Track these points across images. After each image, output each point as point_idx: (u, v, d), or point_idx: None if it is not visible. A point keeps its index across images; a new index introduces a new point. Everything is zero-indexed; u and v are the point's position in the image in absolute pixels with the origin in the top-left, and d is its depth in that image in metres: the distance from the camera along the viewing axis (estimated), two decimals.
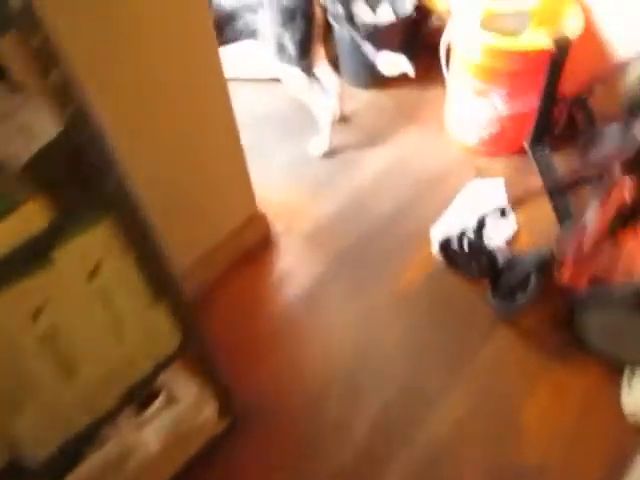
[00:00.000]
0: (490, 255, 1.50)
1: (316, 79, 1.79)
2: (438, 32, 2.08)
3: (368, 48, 1.65)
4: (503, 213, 1.41)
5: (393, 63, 1.65)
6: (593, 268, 1.35)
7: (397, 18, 2.11)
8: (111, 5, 0.98)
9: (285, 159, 2.01)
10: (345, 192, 1.89)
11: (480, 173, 1.89)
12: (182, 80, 1.20)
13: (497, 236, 1.62)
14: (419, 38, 2.20)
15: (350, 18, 1.65)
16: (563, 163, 1.85)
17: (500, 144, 1.90)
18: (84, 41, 0.96)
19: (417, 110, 2.13)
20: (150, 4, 1.05)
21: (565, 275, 1.37)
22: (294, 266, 1.72)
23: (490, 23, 1.64)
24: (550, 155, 1.81)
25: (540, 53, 1.55)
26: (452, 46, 1.79)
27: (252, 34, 1.69)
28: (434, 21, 2.07)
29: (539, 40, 1.55)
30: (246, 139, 2.09)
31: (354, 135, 2.07)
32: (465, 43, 1.70)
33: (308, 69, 1.72)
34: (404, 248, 1.72)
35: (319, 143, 1.96)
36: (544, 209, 1.65)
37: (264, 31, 1.65)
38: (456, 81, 1.83)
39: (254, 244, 1.74)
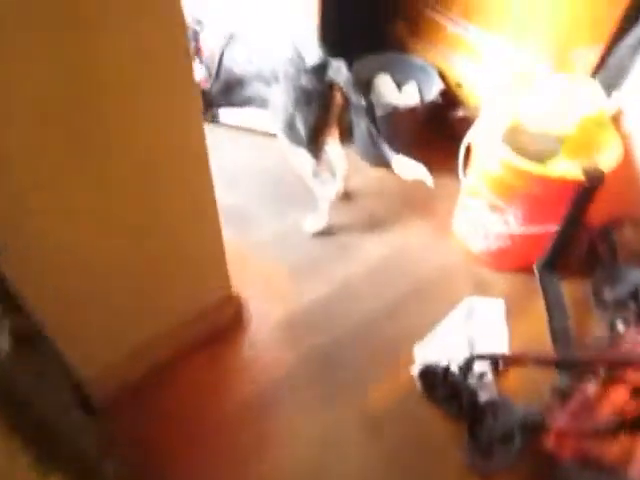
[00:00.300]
0: (473, 398, 1.33)
1: (323, 159, 1.64)
2: (462, 123, 1.95)
3: (385, 147, 1.51)
4: (495, 365, 1.25)
5: (410, 169, 1.50)
6: (583, 444, 1.18)
7: (421, 102, 1.98)
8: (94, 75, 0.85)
9: (275, 229, 1.86)
10: (332, 280, 1.73)
11: (481, 287, 1.73)
12: (157, 147, 1.05)
13: (485, 370, 1.45)
14: (441, 125, 2.06)
15: (370, 110, 1.50)
16: (574, 294, 1.69)
17: (507, 259, 1.74)
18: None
19: (425, 200, 1.98)
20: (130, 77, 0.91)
21: (551, 443, 1.20)
22: (261, 357, 1.55)
23: (517, 137, 1.50)
24: (560, 285, 1.65)
25: (567, 182, 1.40)
26: (472, 149, 1.64)
27: (262, 103, 1.56)
28: (460, 112, 1.94)
29: (568, 168, 1.40)
30: (237, 198, 1.96)
31: (354, 216, 1.92)
32: (486, 152, 1.55)
33: (316, 153, 1.58)
34: (383, 360, 1.54)
35: (315, 221, 1.81)
36: (543, 345, 1.50)
37: (275, 105, 1.52)
38: (470, 187, 1.67)
39: (223, 325, 1.58)
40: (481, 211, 1.64)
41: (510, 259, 1.74)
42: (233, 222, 1.87)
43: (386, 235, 1.88)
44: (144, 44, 0.87)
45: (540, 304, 1.66)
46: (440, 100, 1.88)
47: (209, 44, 1.49)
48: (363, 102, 1.48)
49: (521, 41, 1.74)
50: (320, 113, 1.49)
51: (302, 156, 1.58)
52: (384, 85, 2.01)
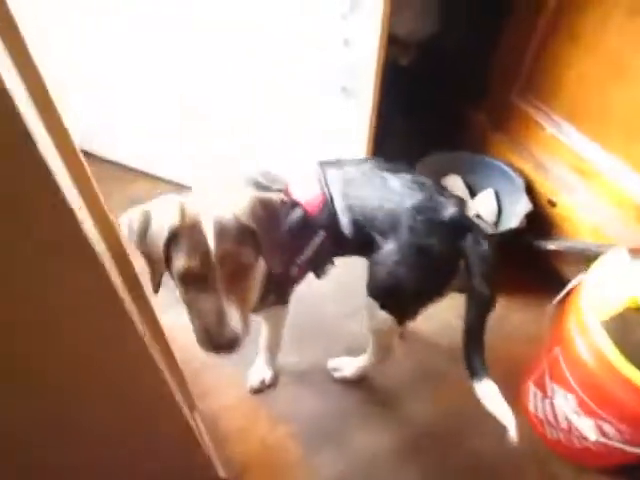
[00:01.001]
0: None
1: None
2: (552, 258, 1.51)
3: (477, 357, 1.10)
4: None
5: (496, 405, 1.08)
6: None
7: (498, 214, 1.56)
8: None
9: (294, 367, 1.49)
10: (355, 453, 1.33)
11: None
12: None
13: None
14: (522, 252, 1.58)
15: (487, 307, 1.08)
16: None
17: (595, 459, 1.29)
18: None
19: (495, 346, 1.53)
20: None
21: None
22: None
23: (630, 327, 1.05)
24: None
25: None
26: (564, 315, 1.20)
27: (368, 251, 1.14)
28: (549, 242, 1.47)
29: None
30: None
31: (398, 360, 1.50)
32: (579, 333, 1.11)
33: (405, 324, 1.22)
34: None
35: (348, 369, 1.44)
36: None
37: (379, 260, 1.11)
38: (555, 368, 1.23)
39: None
40: (567, 405, 1.20)
41: (599, 459, 1.28)
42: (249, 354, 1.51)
43: (436, 391, 1.46)
44: None
45: None
46: (525, 224, 1.44)
47: (310, 190, 1.08)
48: (487, 293, 1.06)
49: None
50: (435, 285, 1.10)
51: (384, 318, 1.16)
52: (453, 189, 1.59)
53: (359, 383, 1.46)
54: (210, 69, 1.50)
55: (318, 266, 1.14)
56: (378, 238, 1.06)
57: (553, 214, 1.50)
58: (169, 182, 1.95)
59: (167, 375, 0.77)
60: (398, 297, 1.12)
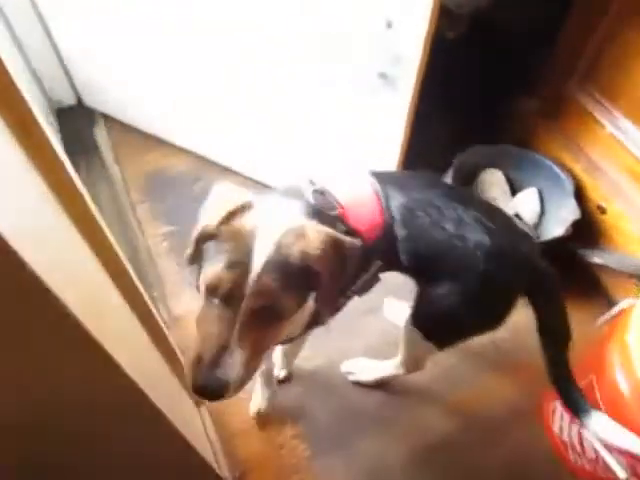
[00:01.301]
0: None
1: None
2: (597, 272, 1.38)
3: (578, 395, 1.02)
4: None
5: (613, 434, 0.97)
6: None
7: (540, 215, 1.42)
8: None
9: (308, 366, 1.41)
10: (366, 461, 1.28)
11: None
12: None
13: None
14: (563, 261, 1.45)
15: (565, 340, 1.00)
16: None
17: None
18: None
19: (523, 354, 1.43)
20: None
21: None
22: None
23: None
24: None
25: None
26: (609, 340, 1.09)
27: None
28: (595, 254, 1.34)
29: None
30: None
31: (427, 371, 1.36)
32: (619, 364, 1.02)
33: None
34: None
35: (369, 372, 1.36)
36: None
37: (436, 296, 1.02)
38: (585, 390, 1.12)
39: None
40: (598, 443, 1.11)
41: None
42: None
43: (455, 400, 1.38)
44: None
45: None
46: (570, 232, 1.31)
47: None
48: (562, 328, 0.98)
49: None
50: (494, 323, 1.00)
51: (425, 344, 1.07)
52: (493, 185, 1.46)
53: (374, 386, 1.39)
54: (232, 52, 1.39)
55: (365, 289, 1.02)
56: (442, 274, 0.95)
57: (602, 221, 1.37)
58: (189, 152, 1.86)
59: (162, 402, 0.70)
60: (450, 333, 1.05)
